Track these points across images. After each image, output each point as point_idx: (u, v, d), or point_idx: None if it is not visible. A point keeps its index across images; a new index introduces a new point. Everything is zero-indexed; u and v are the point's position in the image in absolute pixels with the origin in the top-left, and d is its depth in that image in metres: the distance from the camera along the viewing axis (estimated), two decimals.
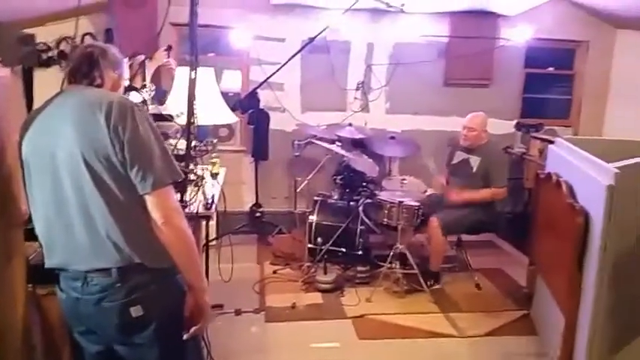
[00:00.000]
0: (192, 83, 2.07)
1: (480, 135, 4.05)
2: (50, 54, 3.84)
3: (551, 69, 5.90)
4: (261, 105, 4.98)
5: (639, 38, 5.23)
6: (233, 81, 5.46)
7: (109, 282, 1.56)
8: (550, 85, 6.00)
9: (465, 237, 4.31)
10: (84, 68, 1.69)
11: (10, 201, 1.75)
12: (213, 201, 2.52)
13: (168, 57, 3.60)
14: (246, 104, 4.72)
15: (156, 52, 3.50)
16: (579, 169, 2.89)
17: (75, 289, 1.60)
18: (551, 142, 3.99)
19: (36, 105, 3.45)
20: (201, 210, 2.46)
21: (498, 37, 5.31)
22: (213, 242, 3.86)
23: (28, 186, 1.64)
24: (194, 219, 2.38)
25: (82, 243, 1.56)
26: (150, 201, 1.54)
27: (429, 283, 3.97)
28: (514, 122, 5.58)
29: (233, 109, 3.63)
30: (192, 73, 2.13)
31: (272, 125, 5.12)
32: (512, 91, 5.62)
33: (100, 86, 1.70)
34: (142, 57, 3.55)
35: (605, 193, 2.46)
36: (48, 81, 3.88)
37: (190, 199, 2.35)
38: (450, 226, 3.92)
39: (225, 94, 3.21)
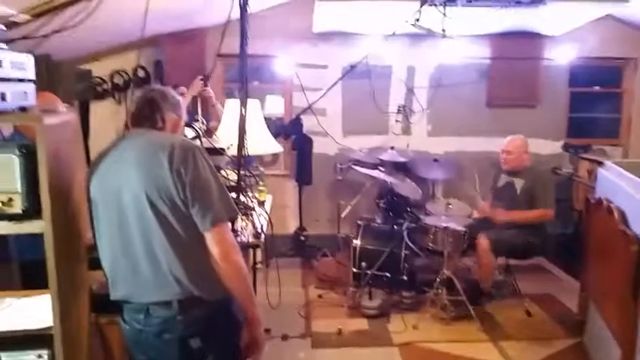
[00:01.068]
0: (242, 120, 2.14)
1: (520, 158, 4.00)
2: (105, 87, 4.03)
3: (597, 88, 5.78)
4: (304, 130, 5.07)
5: None
6: (276, 106, 5.59)
7: (169, 314, 1.64)
8: (597, 103, 5.87)
9: (513, 261, 4.23)
10: (146, 112, 1.79)
11: (76, 236, 1.85)
12: (262, 230, 2.58)
13: (205, 86, 3.74)
14: (290, 130, 4.82)
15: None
16: (631, 195, 2.82)
17: (138, 321, 1.68)
18: (600, 163, 3.90)
19: (92, 136, 3.63)
20: (251, 239, 2.53)
21: (541, 58, 5.25)
22: (259, 266, 3.93)
23: (95, 222, 1.75)
24: (244, 248, 2.45)
25: (145, 277, 1.64)
26: (209, 237, 1.62)
27: (481, 300, 3.94)
28: (560, 143, 5.48)
29: (277, 135, 3.73)
30: (243, 109, 2.21)
31: (315, 149, 5.20)
32: (558, 111, 5.52)
33: (161, 129, 1.79)
34: (184, 89, 3.72)
35: None
36: (103, 112, 4.10)
37: (241, 229, 2.43)
38: (499, 245, 3.86)
39: (268, 119, 3.31)
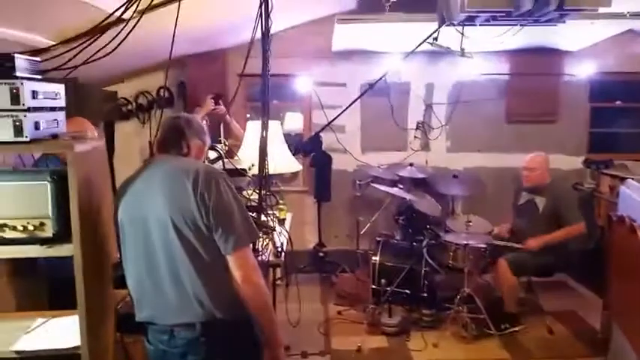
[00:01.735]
0: (263, 142, 2.19)
1: (541, 175, 3.99)
2: (129, 107, 4.14)
3: (618, 102, 5.72)
4: (323, 147, 5.11)
5: None
6: (295, 122, 5.65)
7: (193, 336, 1.68)
8: (619, 118, 5.82)
9: (535, 278, 4.19)
10: (171, 139, 1.86)
11: (104, 258, 1.91)
12: (282, 249, 2.62)
13: (217, 104, 3.82)
14: (309, 147, 4.87)
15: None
16: None
17: (162, 342, 1.73)
18: (622, 179, 3.85)
19: (117, 156, 3.72)
20: (272, 258, 2.57)
21: (560, 73, 5.24)
22: (279, 282, 3.97)
23: (122, 245, 1.81)
24: (265, 267, 2.49)
25: (170, 299, 1.70)
26: (231, 260, 1.67)
27: (503, 326, 3.88)
28: (581, 158, 5.43)
29: (296, 153, 3.78)
30: (264, 132, 2.26)
31: (334, 166, 5.24)
32: (578, 126, 5.49)
33: (186, 155, 1.85)
34: (198, 109, 3.81)
35: None
36: (127, 132, 4.20)
37: (262, 249, 2.47)
38: (519, 266, 3.84)
39: (287, 135, 3.36)
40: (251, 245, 1.74)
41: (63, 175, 1.66)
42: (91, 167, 1.82)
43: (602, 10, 3.19)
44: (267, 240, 2.55)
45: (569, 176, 5.28)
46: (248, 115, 5.37)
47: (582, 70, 5.19)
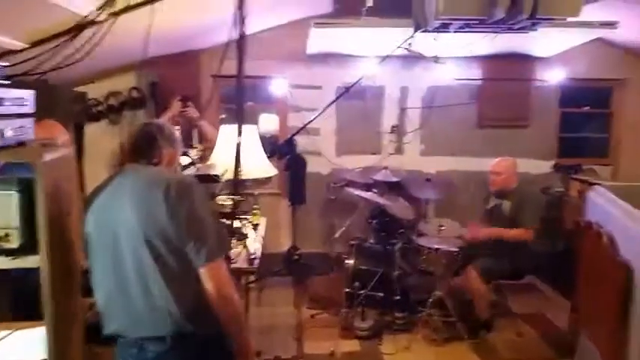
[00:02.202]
0: (238, 150, 2.17)
1: (507, 179, 4.04)
2: (99, 108, 4.06)
3: (586, 108, 5.86)
4: (298, 149, 5.09)
5: None
6: (270, 123, 5.61)
7: (163, 349, 1.66)
8: (587, 123, 5.96)
9: (504, 281, 4.26)
10: (143, 147, 1.82)
11: (71, 269, 1.87)
12: (256, 257, 2.60)
13: (186, 106, 3.77)
14: (284, 150, 4.83)
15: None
16: (620, 221, 2.87)
17: (131, 356, 1.70)
18: (591, 184, 3.94)
19: (87, 157, 3.64)
20: (245, 265, 2.55)
21: (532, 79, 5.34)
22: (252, 285, 3.94)
23: (89, 257, 1.76)
24: (238, 274, 2.47)
25: (139, 312, 1.66)
26: (203, 273, 1.64)
27: (481, 332, 3.94)
28: (551, 162, 5.55)
29: (270, 156, 3.76)
30: (239, 138, 2.23)
31: (309, 168, 5.20)
32: (548, 131, 5.60)
33: (158, 164, 1.82)
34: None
35: None
36: (97, 134, 4.12)
37: (235, 257, 2.45)
38: (489, 273, 3.88)
39: (262, 137, 3.32)
40: (224, 258, 1.70)
41: (30, 185, 1.62)
42: (60, 175, 1.78)
43: (572, 19, 3.28)
44: (240, 247, 2.53)
45: (540, 180, 5.39)
46: (223, 116, 5.32)
47: (553, 76, 5.30)
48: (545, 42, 4.79)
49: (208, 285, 1.64)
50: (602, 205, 3.22)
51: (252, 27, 2.58)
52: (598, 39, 5.13)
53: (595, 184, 4.04)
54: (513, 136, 5.44)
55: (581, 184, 4.94)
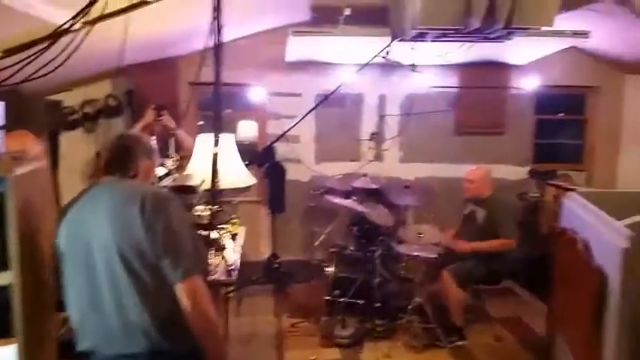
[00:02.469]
0: (215, 160, 2.15)
1: (480, 188, 4.08)
2: (75, 117, 4.00)
3: (561, 115, 5.98)
4: (278, 157, 5.09)
5: None
6: (248, 130, 5.59)
7: None
8: (562, 130, 6.07)
9: (482, 285, 4.31)
10: (119, 160, 1.79)
11: (44, 285, 1.83)
12: (234, 268, 2.58)
13: (160, 115, 3.72)
14: (263, 158, 4.83)
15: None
16: (594, 228, 2.92)
17: None
18: (566, 190, 4.00)
19: (62, 166, 3.58)
20: (223, 277, 2.53)
21: (508, 87, 5.42)
22: (231, 294, 3.91)
23: (62, 272, 1.72)
24: (216, 287, 2.44)
25: (113, 329, 1.63)
26: (179, 289, 1.62)
27: (452, 339, 3.95)
28: (527, 168, 5.64)
29: (249, 164, 3.74)
30: (215, 148, 2.21)
31: (288, 176, 5.22)
32: (524, 138, 5.70)
33: (134, 177, 1.79)
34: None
35: (621, 256, 2.49)
36: (73, 142, 4.05)
37: (213, 268, 2.42)
38: (463, 277, 3.92)
39: (240, 144, 3.29)
40: (200, 272, 1.67)
41: (0, 199, 1.58)
42: (32, 189, 1.75)
43: (546, 28, 3.35)
44: (218, 258, 2.51)
45: (516, 186, 5.48)
46: (202, 122, 5.28)
47: (528, 84, 5.39)
48: (521, 50, 4.88)
49: (184, 301, 1.62)
50: (577, 211, 3.27)
51: (230, 35, 2.58)
52: (572, 47, 5.25)
53: (570, 189, 4.12)
54: (490, 143, 5.52)
55: (556, 189, 5.02)
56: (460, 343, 3.98)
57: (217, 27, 2.50)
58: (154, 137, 2.92)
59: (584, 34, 4.22)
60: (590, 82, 5.69)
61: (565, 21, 3.78)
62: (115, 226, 1.61)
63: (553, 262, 3.62)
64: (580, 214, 3.20)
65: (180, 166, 2.98)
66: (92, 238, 1.64)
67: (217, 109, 2.46)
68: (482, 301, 4.36)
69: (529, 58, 5.24)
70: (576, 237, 3.08)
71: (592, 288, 2.77)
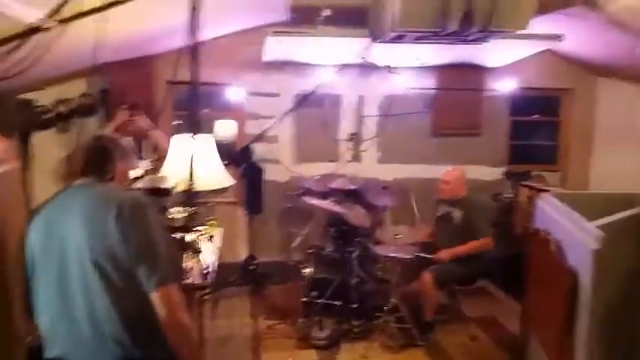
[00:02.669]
0: (191, 161, 2.13)
1: (455, 189, 4.14)
2: (48, 116, 3.89)
3: (536, 116, 6.07)
4: (255, 158, 5.04)
5: (617, 86, 5.43)
6: (226, 130, 5.54)
7: None
8: (537, 131, 6.16)
9: (458, 286, 4.35)
10: (96, 162, 1.74)
11: (14, 290, 1.78)
12: (210, 270, 2.56)
13: (132, 116, 3.66)
14: (240, 159, 4.78)
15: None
16: (567, 229, 2.97)
17: None
18: (539, 190, 4.06)
19: (35, 168, 3.49)
20: (198, 280, 2.50)
21: (484, 89, 5.48)
22: (207, 297, 3.88)
23: (32, 278, 1.68)
24: (190, 290, 2.42)
25: (85, 336, 1.60)
26: (155, 297, 1.59)
27: (427, 335, 4.01)
28: (502, 169, 5.71)
29: (227, 164, 3.71)
30: (193, 149, 2.19)
31: (266, 176, 5.19)
32: (499, 139, 5.76)
33: (111, 180, 1.75)
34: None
35: (592, 258, 2.53)
36: (45, 142, 3.94)
37: (189, 270, 2.39)
38: (443, 279, 3.96)
39: (218, 144, 3.25)
40: (176, 283, 1.65)
41: None
42: (1, 191, 1.70)
43: (521, 31, 3.41)
44: (193, 261, 2.48)
45: (491, 187, 5.54)
46: (179, 122, 5.22)
47: (504, 86, 5.46)
48: (497, 53, 4.93)
49: (159, 310, 1.60)
50: (550, 212, 3.32)
51: (208, 33, 2.56)
52: (547, 50, 5.33)
53: (543, 190, 4.19)
54: (466, 144, 5.58)
55: (529, 190, 5.10)
56: (432, 335, 4.06)
57: (194, 25, 2.48)
58: (128, 139, 2.88)
59: (557, 38, 4.30)
60: (564, 85, 5.79)
61: (539, 24, 3.84)
62: (89, 231, 1.58)
63: (527, 260, 3.67)
64: (553, 215, 3.25)
65: (155, 168, 2.93)
66: (66, 242, 1.60)
67: (194, 109, 2.44)
68: (457, 301, 4.41)
69: (505, 61, 5.30)
70: (549, 238, 3.13)
71: (564, 288, 2.81)
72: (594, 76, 5.71)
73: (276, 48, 4.53)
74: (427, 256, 4.04)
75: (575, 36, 4.48)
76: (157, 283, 1.58)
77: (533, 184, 5.19)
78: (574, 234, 2.84)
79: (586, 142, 5.86)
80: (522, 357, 3.70)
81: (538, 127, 6.18)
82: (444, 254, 3.98)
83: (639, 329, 2.63)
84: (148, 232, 1.61)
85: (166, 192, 2.51)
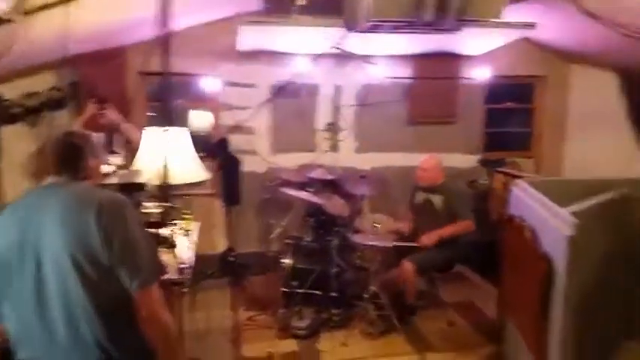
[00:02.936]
0: (165, 155, 2.10)
1: (434, 175, 4.19)
2: (16, 110, 3.79)
3: (510, 104, 6.13)
4: (232, 149, 5.01)
5: (590, 73, 5.52)
6: (201, 120, 5.47)
7: None
8: (511, 119, 6.24)
9: (436, 272, 4.40)
10: (68, 160, 1.69)
11: None
12: (187, 265, 2.53)
13: (102, 109, 3.61)
14: (216, 150, 4.74)
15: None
16: (541, 215, 3.02)
17: None
18: (513, 176, 4.12)
19: (4, 164, 3.40)
20: (175, 276, 2.47)
21: (460, 77, 5.51)
22: (185, 290, 3.85)
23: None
24: (167, 286, 2.39)
25: (62, 340, 1.56)
26: (136, 298, 1.57)
27: (409, 318, 4.10)
28: (477, 156, 5.77)
29: (203, 157, 3.67)
30: (166, 143, 2.16)
31: (243, 167, 5.15)
32: (475, 127, 5.81)
33: (85, 178, 1.71)
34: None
35: (566, 244, 2.58)
36: (14, 137, 3.85)
37: (165, 266, 2.36)
38: (423, 267, 3.99)
39: (195, 136, 3.20)
40: (157, 282, 1.63)
41: None
42: None
43: (496, 20, 3.43)
44: (169, 256, 2.45)
45: (466, 174, 5.60)
46: (152, 114, 5.14)
47: (479, 74, 5.49)
48: (473, 42, 4.96)
49: (141, 310, 1.58)
50: (525, 199, 3.37)
51: (180, 23, 2.51)
52: (524, 39, 5.37)
53: (517, 176, 4.25)
54: (442, 132, 5.61)
55: (504, 176, 5.18)
56: (413, 319, 4.15)
57: (165, 15, 2.44)
58: (99, 133, 2.81)
59: (530, 26, 4.33)
60: (537, 72, 5.85)
61: (515, 12, 3.87)
62: (68, 233, 1.54)
63: (502, 246, 3.73)
64: (527, 201, 3.30)
65: (127, 163, 2.88)
66: (41, 244, 1.55)
67: (166, 100, 2.40)
68: (435, 287, 4.46)
69: (481, 50, 5.33)
70: (524, 224, 3.18)
71: (539, 274, 2.86)
72: (567, 63, 5.79)
73: (250, 37, 4.49)
74: (410, 244, 4.06)
75: (548, 24, 4.53)
76: (138, 286, 1.56)
77: (507, 171, 5.27)
78: (548, 220, 2.89)
79: (559, 129, 5.95)
80: (500, 341, 3.77)
81: (512, 115, 6.25)
82: (427, 239, 4.00)
83: (613, 314, 2.70)
84: (129, 232, 1.58)
85: (140, 187, 2.47)
